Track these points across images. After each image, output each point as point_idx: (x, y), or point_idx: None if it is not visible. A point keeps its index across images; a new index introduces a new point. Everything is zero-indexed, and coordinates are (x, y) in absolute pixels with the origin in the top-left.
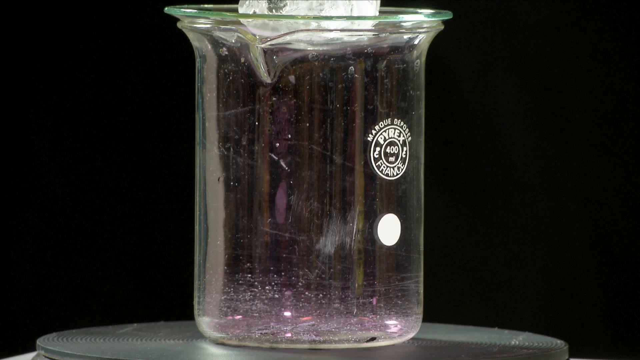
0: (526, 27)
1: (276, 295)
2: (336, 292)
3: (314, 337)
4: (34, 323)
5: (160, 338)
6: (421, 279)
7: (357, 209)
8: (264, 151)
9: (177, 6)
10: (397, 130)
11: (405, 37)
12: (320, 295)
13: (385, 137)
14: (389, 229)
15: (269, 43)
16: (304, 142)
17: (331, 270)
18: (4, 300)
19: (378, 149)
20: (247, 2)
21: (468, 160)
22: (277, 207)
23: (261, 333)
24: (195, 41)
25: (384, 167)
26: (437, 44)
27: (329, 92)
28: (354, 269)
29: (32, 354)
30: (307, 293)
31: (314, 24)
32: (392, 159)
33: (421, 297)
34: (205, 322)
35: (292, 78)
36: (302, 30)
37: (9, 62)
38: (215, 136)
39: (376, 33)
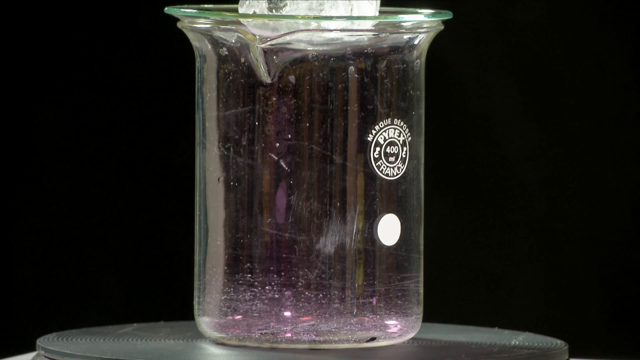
0: (526, 27)
1: (276, 295)
2: (336, 292)
3: (314, 337)
4: (34, 323)
5: (160, 338)
6: (421, 279)
7: (357, 209)
8: (264, 151)
9: (177, 6)
10: (397, 130)
11: (405, 37)
12: (320, 295)
13: (385, 137)
14: (389, 229)
15: (269, 43)
16: (304, 142)
17: (331, 270)
18: (4, 300)
19: (378, 149)
20: (247, 2)
21: (468, 160)
22: (277, 207)
23: (261, 333)
24: (195, 41)
25: (384, 167)
26: (437, 44)
27: (329, 92)
28: (354, 269)
29: (32, 354)
30: (307, 293)
31: (314, 24)
32: (392, 159)
33: (421, 297)
34: (205, 322)
35: (292, 78)
36: (302, 30)
37: (10, 62)
38: (215, 136)
39: (376, 33)
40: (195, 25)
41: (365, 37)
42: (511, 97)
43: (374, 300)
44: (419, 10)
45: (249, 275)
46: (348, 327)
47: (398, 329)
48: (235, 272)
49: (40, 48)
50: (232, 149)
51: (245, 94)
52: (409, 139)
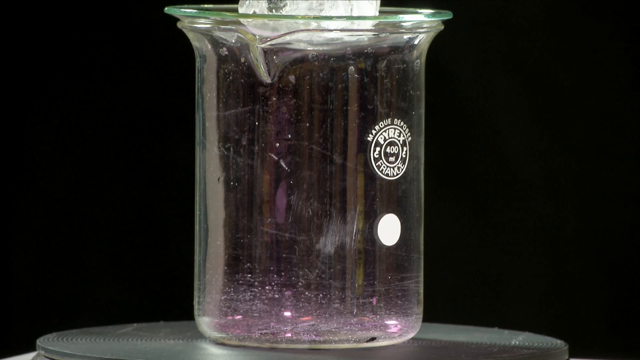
0: (526, 27)
1: (276, 295)
2: (336, 292)
3: (314, 337)
4: (34, 323)
5: (160, 338)
6: (421, 279)
7: (357, 209)
8: (264, 151)
9: (177, 6)
10: (397, 130)
11: (405, 37)
12: (320, 295)
13: (385, 137)
14: (389, 229)
15: (269, 43)
16: (304, 142)
17: (331, 270)
18: (4, 300)
19: (378, 149)
20: (247, 2)
21: (468, 160)
22: (277, 207)
23: (261, 333)
24: (195, 41)
25: (384, 167)
26: (437, 44)
27: (329, 92)
28: (354, 269)
29: (32, 354)
30: (307, 293)
31: (314, 24)
32: (392, 159)
33: (421, 297)
34: (205, 322)
35: (292, 78)
36: (302, 30)
37: (10, 61)
38: (215, 136)
39: (376, 33)
40: (195, 25)
41: (365, 37)
42: (511, 97)
43: (374, 300)
44: (419, 10)
45: (249, 275)
46: (348, 327)
47: (398, 329)
48: (235, 272)
49: (40, 47)
50: (232, 149)
51: (245, 94)
52: (409, 139)
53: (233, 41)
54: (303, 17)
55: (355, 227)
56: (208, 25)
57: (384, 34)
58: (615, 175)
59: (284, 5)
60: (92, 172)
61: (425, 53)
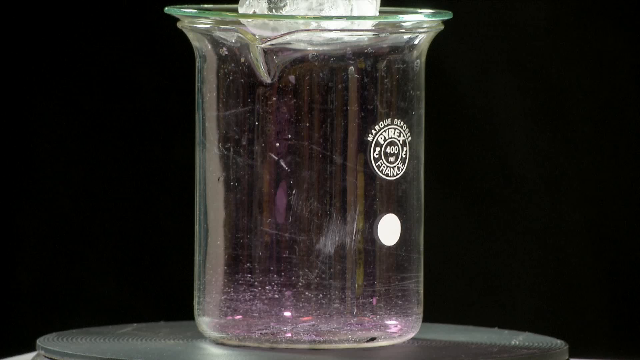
0: (526, 27)
1: (276, 295)
2: (336, 292)
3: (314, 337)
4: (34, 323)
5: (160, 338)
6: (421, 279)
7: (357, 209)
8: (264, 151)
9: (177, 6)
10: (397, 130)
11: (405, 37)
12: (320, 295)
13: (385, 137)
14: (389, 229)
15: (269, 43)
16: (304, 142)
17: (331, 270)
18: (4, 300)
19: (378, 149)
20: (247, 2)
21: (468, 160)
22: (277, 207)
23: (261, 333)
24: (195, 41)
25: (384, 167)
26: (437, 44)
27: (329, 92)
28: (354, 269)
29: (32, 354)
30: (307, 293)
31: (314, 24)
32: (392, 159)
33: (421, 297)
34: (205, 322)
35: (292, 78)
36: (302, 30)
37: (10, 61)
38: (215, 136)
39: (376, 33)
40: (195, 25)
41: (365, 37)
42: (511, 97)
43: (374, 300)
44: (419, 10)
45: (249, 275)
46: (348, 327)
47: (398, 329)
48: (235, 272)
49: (41, 47)
50: (232, 149)
51: (245, 94)
52: (409, 139)
53: (233, 41)
54: (303, 17)
55: (355, 227)
56: (208, 25)
57: (384, 34)
58: (616, 175)
59: (284, 5)
60: (93, 172)
61: (425, 53)
